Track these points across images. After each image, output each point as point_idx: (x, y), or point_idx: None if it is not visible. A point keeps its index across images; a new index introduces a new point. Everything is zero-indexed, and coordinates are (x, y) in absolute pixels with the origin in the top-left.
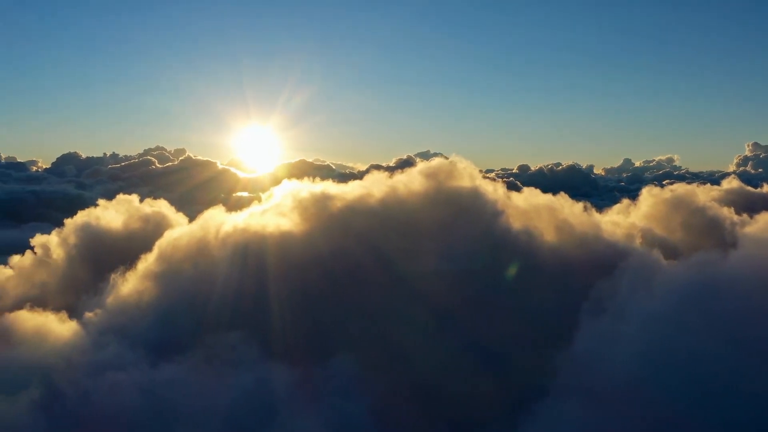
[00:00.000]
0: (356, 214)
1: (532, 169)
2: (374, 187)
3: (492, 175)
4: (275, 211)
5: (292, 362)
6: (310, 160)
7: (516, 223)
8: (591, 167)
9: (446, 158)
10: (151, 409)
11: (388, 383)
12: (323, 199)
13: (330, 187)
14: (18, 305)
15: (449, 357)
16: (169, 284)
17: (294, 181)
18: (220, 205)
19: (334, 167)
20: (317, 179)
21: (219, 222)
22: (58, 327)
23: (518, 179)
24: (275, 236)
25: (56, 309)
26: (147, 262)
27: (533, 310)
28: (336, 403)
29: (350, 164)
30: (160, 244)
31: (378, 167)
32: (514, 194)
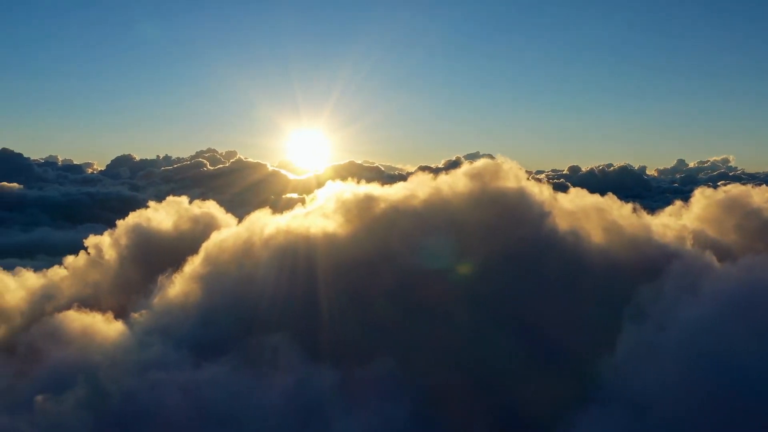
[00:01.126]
0: (399, 215)
1: (583, 170)
2: (418, 188)
3: (542, 176)
4: (319, 213)
5: (333, 364)
6: (359, 162)
7: (563, 225)
8: (643, 168)
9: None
10: (192, 409)
11: (429, 386)
12: (366, 201)
13: (374, 188)
14: (71, 305)
15: (491, 361)
16: (213, 285)
17: (338, 183)
18: (267, 207)
19: (383, 169)
20: (362, 181)
21: (264, 224)
22: (105, 327)
23: (569, 180)
24: (318, 238)
25: (108, 309)
26: (194, 263)
27: (578, 314)
28: (377, 405)
29: (399, 166)
30: (206, 246)
31: (426, 169)
32: (560, 195)
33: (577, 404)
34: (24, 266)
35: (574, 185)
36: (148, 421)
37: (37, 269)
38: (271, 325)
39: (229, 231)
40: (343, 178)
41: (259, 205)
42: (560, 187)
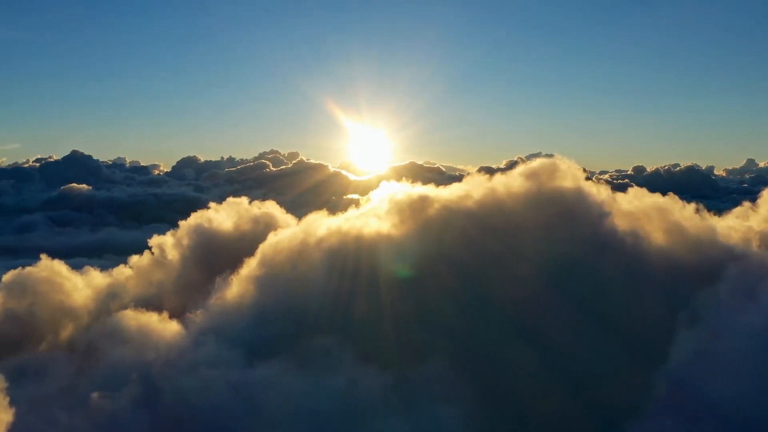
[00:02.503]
0: (453, 216)
1: (648, 170)
2: (473, 189)
3: (606, 176)
4: (373, 214)
5: (385, 366)
6: (420, 163)
7: (622, 225)
8: (711, 168)
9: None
10: (243, 409)
11: (482, 390)
12: (420, 202)
13: (428, 189)
14: (134, 304)
15: (546, 365)
16: (267, 286)
17: (392, 184)
18: (324, 208)
19: (444, 169)
20: (417, 182)
21: (318, 225)
22: (162, 326)
23: (633, 181)
24: (371, 239)
25: (170, 308)
26: (250, 264)
27: (635, 318)
28: (429, 408)
29: (460, 166)
30: (262, 247)
31: (487, 169)
32: (620, 195)
33: (631, 415)
34: (92, 265)
35: (640, 186)
36: (200, 420)
37: (104, 268)
38: (323, 326)
39: (285, 232)
40: (404, 179)
41: (321, 206)
42: (624, 188)
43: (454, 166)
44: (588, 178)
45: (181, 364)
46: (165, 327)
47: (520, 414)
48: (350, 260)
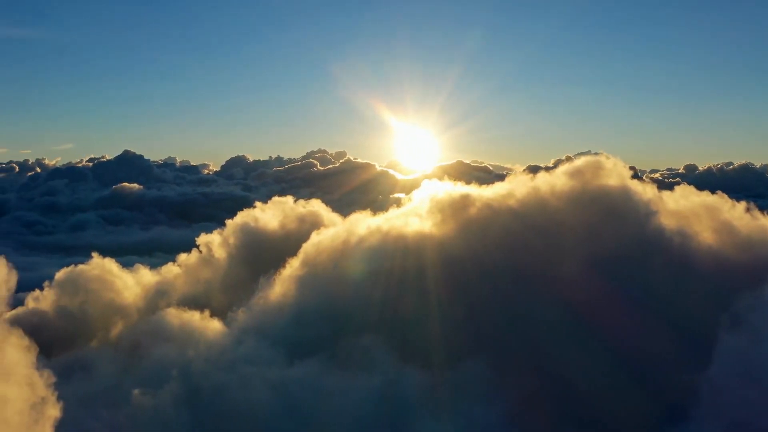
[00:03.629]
0: (495, 215)
1: (700, 168)
2: (516, 187)
3: (657, 175)
4: (414, 214)
5: (425, 366)
6: (468, 162)
7: (670, 225)
8: (766, 166)
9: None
10: (281, 407)
11: (524, 389)
12: (462, 201)
13: (470, 188)
14: (182, 302)
15: (588, 366)
16: (309, 286)
17: (434, 183)
18: (368, 208)
19: (491, 168)
20: (464, 181)
21: (361, 224)
22: (204, 325)
23: (685, 179)
24: (412, 239)
25: (217, 307)
26: (293, 263)
27: (681, 320)
28: (469, 408)
29: (508, 165)
30: (305, 246)
31: (535, 168)
32: (666, 193)
33: (672, 419)
34: (142, 263)
35: (691, 184)
36: (239, 417)
37: (153, 266)
38: (363, 326)
39: (327, 232)
40: (451, 178)
41: (367, 205)
42: (675, 187)
43: (502, 165)
44: (635, 177)
45: (222, 362)
46: (207, 325)
47: (560, 415)
48: (390, 260)
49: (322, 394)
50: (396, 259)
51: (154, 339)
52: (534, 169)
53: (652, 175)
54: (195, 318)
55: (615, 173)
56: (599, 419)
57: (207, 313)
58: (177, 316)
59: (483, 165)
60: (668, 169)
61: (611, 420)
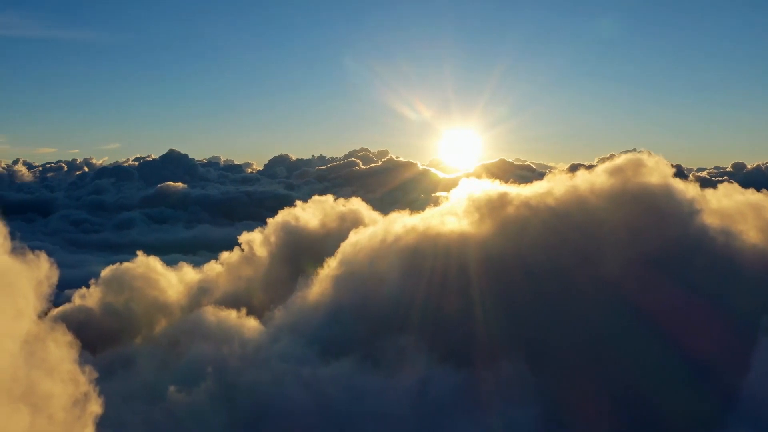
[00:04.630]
0: (533, 214)
1: (749, 167)
2: (555, 186)
3: (704, 173)
4: (452, 213)
5: (461, 365)
6: (511, 160)
7: (714, 223)
8: None
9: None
10: (314, 405)
11: (562, 390)
12: (499, 200)
13: (508, 187)
14: (224, 300)
15: (626, 368)
16: (344, 285)
17: (473, 181)
18: (413, 207)
19: (534, 167)
20: (507, 180)
21: (398, 224)
22: (240, 322)
23: (733, 178)
24: (448, 238)
25: (257, 305)
26: (331, 262)
27: (723, 322)
28: (506, 408)
29: (552, 164)
30: (343, 246)
31: (580, 166)
32: (709, 192)
33: (710, 424)
34: (186, 261)
35: (740, 183)
36: (272, 414)
37: (197, 264)
38: (398, 325)
39: (365, 231)
40: (495, 177)
41: (409, 204)
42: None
43: (546, 163)
44: (678, 175)
45: (256, 360)
46: (244, 323)
47: (598, 417)
48: (427, 259)
49: (355, 393)
50: (432, 259)
51: (192, 337)
52: (577, 168)
53: (698, 174)
54: (232, 316)
55: (657, 171)
56: (637, 422)
57: (244, 311)
58: (215, 314)
59: (526, 163)
60: (715, 168)
61: (649, 423)
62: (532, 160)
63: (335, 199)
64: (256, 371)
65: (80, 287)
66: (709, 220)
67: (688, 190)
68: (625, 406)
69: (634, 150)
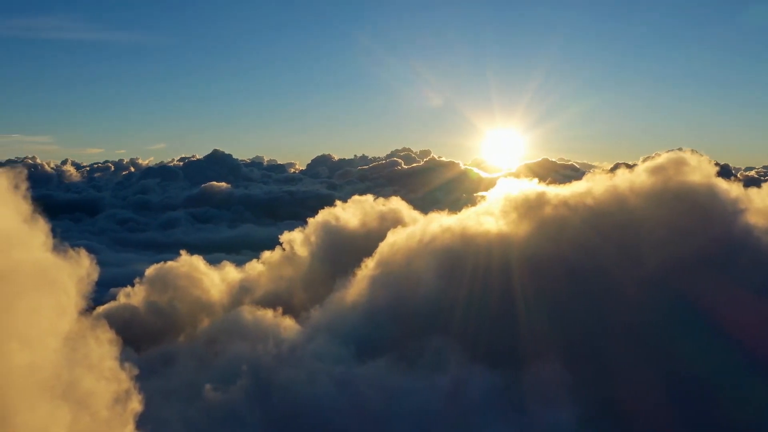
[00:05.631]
0: (571, 214)
1: None
2: (595, 186)
3: (752, 172)
4: (489, 213)
5: (496, 366)
6: (554, 159)
7: (758, 223)
8: None
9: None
10: (348, 404)
11: (599, 393)
12: (537, 200)
13: (547, 186)
14: (263, 300)
15: (666, 371)
16: (380, 285)
17: (511, 181)
18: (455, 206)
19: (578, 166)
20: (549, 179)
21: (435, 224)
22: (277, 322)
23: None
24: (484, 238)
25: (298, 304)
26: (369, 262)
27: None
28: (541, 410)
29: (596, 163)
30: (381, 246)
31: (624, 165)
32: (753, 191)
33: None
34: (229, 260)
35: None
36: (306, 413)
37: (240, 264)
38: (433, 325)
39: (403, 231)
40: (537, 176)
41: (451, 203)
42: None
43: (589, 162)
44: (723, 173)
45: (291, 359)
46: (280, 322)
47: (637, 420)
48: (462, 259)
49: (389, 393)
50: (468, 259)
51: (229, 336)
52: (620, 167)
53: (746, 173)
54: (269, 316)
55: (699, 170)
56: (677, 427)
57: (280, 310)
58: (252, 314)
59: (569, 163)
60: (764, 167)
61: (689, 428)
62: (576, 160)
63: (375, 199)
64: (291, 370)
65: (125, 286)
66: (754, 219)
67: (732, 189)
68: (663, 408)
69: (680, 149)
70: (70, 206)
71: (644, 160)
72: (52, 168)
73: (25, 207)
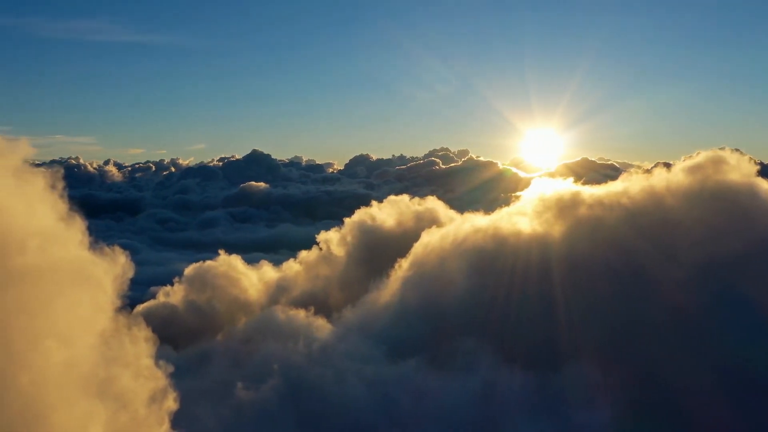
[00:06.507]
0: (606, 214)
1: None
2: (631, 186)
3: None
4: (522, 213)
5: (527, 367)
6: (593, 159)
7: None
8: None
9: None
10: (378, 404)
11: (631, 395)
12: (571, 200)
13: (582, 187)
14: (300, 299)
15: (703, 373)
16: (413, 286)
17: (545, 181)
18: (493, 206)
19: (618, 165)
20: (587, 179)
21: (468, 224)
22: (309, 321)
23: None
24: (517, 239)
25: (334, 304)
26: (404, 262)
27: None
28: (572, 412)
29: (636, 162)
30: (415, 246)
31: (666, 165)
32: None
33: None
34: (267, 260)
35: None
36: (336, 412)
37: (278, 263)
38: (465, 327)
39: (437, 232)
40: (576, 176)
41: (489, 203)
42: None
43: (630, 162)
44: (764, 173)
45: (322, 358)
46: (312, 322)
47: (672, 423)
48: (494, 260)
49: (420, 393)
50: (500, 260)
51: (263, 335)
52: (663, 167)
53: None
54: (301, 315)
55: (738, 169)
56: (712, 428)
57: (312, 310)
58: (285, 313)
59: (609, 162)
60: None
61: (726, 430)
62: (616, 159)
63: (411, 198)
64: (321, 369)
65: (165, 284)
66: None
67: None
68: (698, 411)
69: (722, 148)
70: (112, 206)
71: (685, 160)
72: (94, 168)
73: (62, 206)
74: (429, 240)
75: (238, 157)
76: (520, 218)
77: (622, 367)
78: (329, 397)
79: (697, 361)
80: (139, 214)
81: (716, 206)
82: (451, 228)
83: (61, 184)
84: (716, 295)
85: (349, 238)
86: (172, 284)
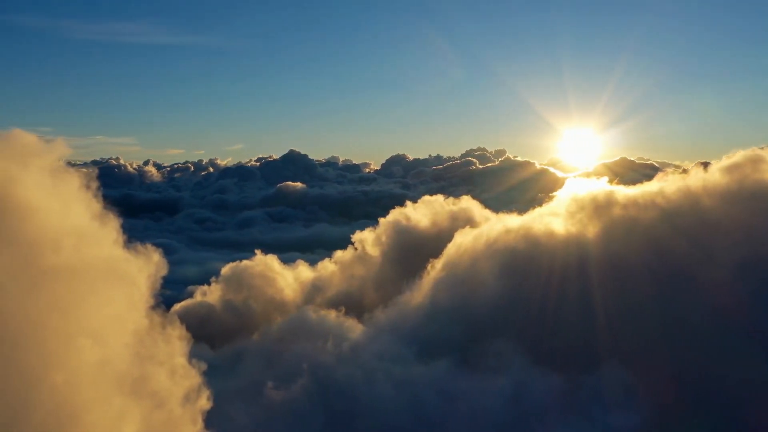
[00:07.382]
0: (641, 215)
1: None
2: (667, 186)
3: None
4: (556, 214)
5: (559, 369)
6: (632, 159)
7: None
8: None
9: None
10: (406, 403)
11: (665, 397)
12: (605, 200)
13: (618, 187)
14: (335, 299)
15: (736, 377)
16: (445, 287)
17: (580, 181)
18: (530, 206)
19: (657, 165)
20: (626, 179)
21: (500, 226)
22: (340, 322)
23: None
24: (550, 239)
25: (369, 304)
26: (437, 263)
27: None
28: (605, 414)
29: (677, 162)
30: (448, 247)
31: (704, 165)
32: None
33: None
34: (304, 260)
35: None
36: (365, 412)
37: (314, 263)
38: (496, 328)
39: (470, 232)
40: (615, 176)
41: (527, 204)
42: None
43: (670, 162)
44: None
45: (352, 358)
46: (344, 322)
47: (709, 425)
48: (526, 261)
49: (449, 395)
50: (532, 261)
51: (294, 335)
52: (703, 167)
53: None
54: (332, 315)
55: None
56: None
57: (343, 310)
58: (317, 313)
59: (648, 162)
60: None
61: None
62: (656, 159)
63: (446, 198)
64: (350, 369)
65: (202, 284)
66: None
67: None
68: (730, 416)
69: (763, 148)
70: (151, 205)
71: (726, 159)
72: (134, 168)
73: (96, 205)
74: (462, 240)
75: (275, 157)
76: (553, 218)
77: (658, 369)
78: (358, 396)
79: (736, 363)
80: (178, 214)
81: (755, 206)
82: (484, 229)
83: (95, 184)
84: (755, 294)
85: (383, 238)
86: (209, 284)
